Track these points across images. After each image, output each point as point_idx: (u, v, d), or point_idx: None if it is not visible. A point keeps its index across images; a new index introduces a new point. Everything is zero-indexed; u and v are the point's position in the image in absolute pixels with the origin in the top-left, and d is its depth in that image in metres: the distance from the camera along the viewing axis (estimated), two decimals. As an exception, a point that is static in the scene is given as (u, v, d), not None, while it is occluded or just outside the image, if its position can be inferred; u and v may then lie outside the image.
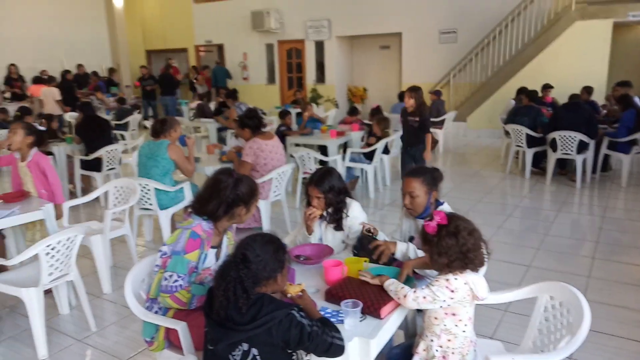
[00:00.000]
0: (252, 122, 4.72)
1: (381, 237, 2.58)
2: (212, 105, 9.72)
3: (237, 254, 1.70)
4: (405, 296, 1.86)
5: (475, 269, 1.82)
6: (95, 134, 6.04)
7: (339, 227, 2.66)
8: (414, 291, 1.85)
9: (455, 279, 1.79)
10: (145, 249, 4.75)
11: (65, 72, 12.32)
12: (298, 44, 13.25)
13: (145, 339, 2.29)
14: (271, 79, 14.00)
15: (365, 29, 12.16)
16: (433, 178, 2.49)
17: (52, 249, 2.85)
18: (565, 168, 6.96)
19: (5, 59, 12.04)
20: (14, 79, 12.01)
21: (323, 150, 6.48)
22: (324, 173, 2.67)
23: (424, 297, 1.81)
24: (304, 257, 2.46)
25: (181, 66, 15.08)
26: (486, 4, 10.61)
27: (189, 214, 2.31)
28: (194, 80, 13.73)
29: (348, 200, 2.70)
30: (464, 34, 10.98)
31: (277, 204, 5.14)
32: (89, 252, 3.80)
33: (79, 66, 13.35)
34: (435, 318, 1.85)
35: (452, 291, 1.77)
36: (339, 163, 5.92)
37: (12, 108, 9.32)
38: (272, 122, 8.15)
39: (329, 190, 2.60)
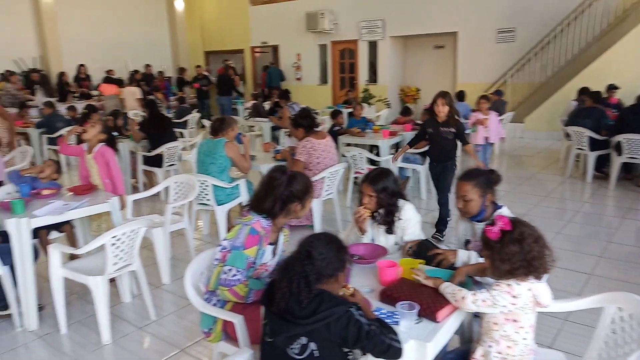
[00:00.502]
0: (305, 122, 4.77)
1: (463, 254, 2.55)
2: (267, 105, 9.89)
3: (301, 251, 1.75)
4: (463, 298, 1.82)
5: (539, 276, 1.76)
6: (158, 131, 6.31)
7: (389, 230, 2.65)
8: (473, 293, 1.82)
9: (518, 284, 1.74)
10: (202, 242, 4.91)
11: (134, 72, 12.92)
12: (351, 44, 13.26)
13: (203, 330, 2.38)
14: (323, 79, 14.08)
15: (420, 28, 12.00)
16: (487, 180, 2.44)
17: (118, 240, 3.01)
18: (631, 172, 6.60)
19: (75, 59, 12.76)
20: (82, 79, 12.72)
21: (375, 150, 6.46)
22: (380, 173, 2.67)
23: (484, 301, 1.78)
24: (358, 257, 2.47)
25: (237, 67, 15.41)
26: (547, 1, 10.20)
27: (248, 210, 2.37)
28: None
29: (401, 202, 2.67)
30: (523, 32, 10.61)
31: (328, 202, 5.18)
32: (150, 244, 3.98)
33: (147, 66, 13.94)
34: (495, 323, 1.81)
35: (514, 297, 1.73)
36: (390, 163, 5.87)
37: (79, 106, 9.90)
38: (324, 121, 8.21)
39: (382, 190, 2.59)
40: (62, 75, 12.22)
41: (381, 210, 2.65)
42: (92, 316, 3.38)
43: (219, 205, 4.57)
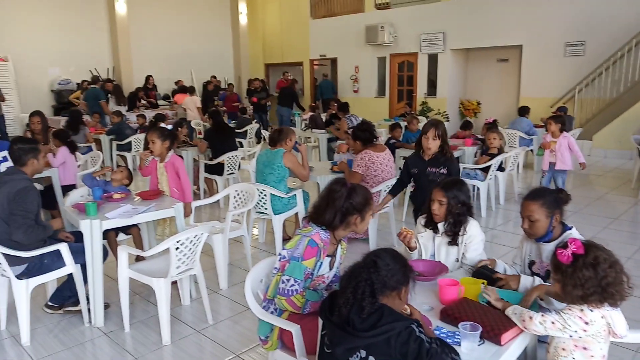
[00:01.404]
0: (364, 135, 4.78)
1: (500, 266, 2.47)
2: (324, 117, 10.00)
3: (367, 260, 1.76)
4: (531, 318, 1.75)
5: (614, 304, 1.66)
6: (221, 140, 6.53)
7: (454, 241, 2.59)
8: (542, 314, 1.74)
9: (591, 310, 1.65)
10: (258, 250, 5.00)
11: (207, 83, 13.41)
12: (411, 57, 13.17)
13: (260, 337, 2.41)
14: (381, 92, 14.05)
15: (483, 41, 11.74)
16: (555, 200, 2.33)
17: (182, 244, 3.12)
18: None
19: (144, 70, 13.47)
20: (149, 89, 13.39)
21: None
22: (455, 181, 2.66)
23: (553, 323, 1.69)
24: (417, 273, 2.43)
25: (297, 79, 15.67)
26: (620, 13, 9.69)
27: (307, 221, 2.39)
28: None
29: (467, 218, 2.62)
30: (593, 45, 10.13)
31: (384, 216, 5.13)
32: (209, 249, 4.10)
33: (212, 77, 14.44)
34: (563, 349, 1.72)
35: (586, 323, 1.64)
36: (450, 179, 5.76)
37: (148, 114, 10.41)
38: (381, 134, 8.17)
39: (453, 198, 2.55)
40: (139, 90, 12.91)
41: (450, 220, 2.60)
42: (153, 317, 3.52)
43: (275, 214, 4.65)
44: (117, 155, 8.71)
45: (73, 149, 5.52)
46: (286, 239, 4.85)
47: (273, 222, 4.67)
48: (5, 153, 4.38)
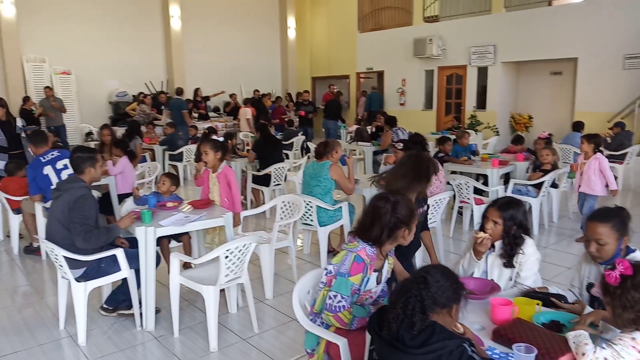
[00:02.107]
0: (415, 147, 4.76)
1: (553, 289, 2.38)
2: (369, 130, 9.99)
3: (417, 276, 1.75)
4: (583, 354, 1.66)
5: None
6: (268, 152, 6.66)
7: (509, 263, 2.52)
8: (594, 351, 1.65)
9: (644, 337, 1.56)
10: (303, 261, 5.03)
11: (262, 96, 13.67)
12: (459, 69, 12.99)
13: (307, 350, 2.42)
14: (428, 105, 13.91)
15: (535, 54, 11.42)
16: (624, 222, 2.22)
17: (231, 253, 3.19)
18: None
19: (195, 83, 13.93)
20: (198, 101, 13.80)
21: (482, 179, 6.20)
22: (512, 201, 2.57)
23: (606, 359, 1.61)
24: (467, 291, 2.37)
25: (342, 93, 15.74)
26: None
27: (353, 236, 2.38)
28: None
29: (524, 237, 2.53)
30: (656, 57, 9.65)
31: (431, 231, 5.04)
32: (255, 259, 4.16)
33: (255, 91, 14.74)
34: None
35: (640, 352, 1.55)
36: (500, 194, 5.61)
37: (200, 125, 10.75)
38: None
39: (509, 219, 2.47)
40: (189, 101, 13.32)
41: (505, 241, 2.52)
42: (201, 323, 3.60)
43: (321, 226, 4.67)
44: (169, 164, 9.01)
45: (132, 158, 5.77)
46: (331, 251, 4.86)
47: (318, 234, 4.69)
48: (67, 161, 4.62)
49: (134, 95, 12.92)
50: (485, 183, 5.99)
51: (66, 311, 3.60)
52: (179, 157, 8.84)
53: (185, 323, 3.65)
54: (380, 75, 15.25)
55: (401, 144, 5.09)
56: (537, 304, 2.13)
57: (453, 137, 8.32)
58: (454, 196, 5.68)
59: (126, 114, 12.10)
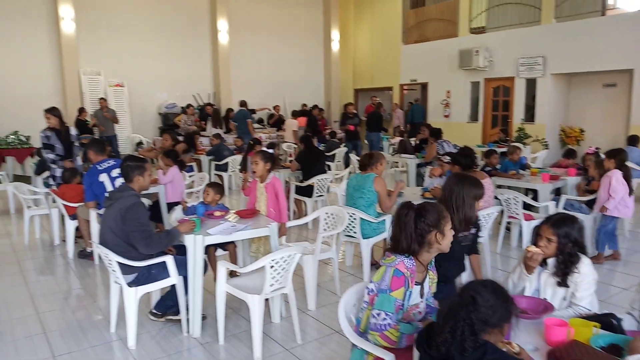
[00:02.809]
0: (465, 160, 4.68)
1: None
2: (412, 142, 9.90)
3: (465, 296, 1.69)
4: None
5: None
6: (312, 163, 6.72)
7: (563, 282, 2.42)
8: None
9: None
10: (345, 273, 5.01)
11: (313, 108, 13.79)
12: (507, 81, 12.70)
13: (352, 365, 2.39)
14: (474, 117, 13.65)
15: (587, 65, 11.03)
16: None
17: (276, 263, 3.22)
18: None
19: (241, 95, 14.22)
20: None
21: (531, 194, 6.01)
22: (566, 217, 2.48)
23: None
24: (520, 310, 2.30)
25: (385, 104, 15.71)
26: None
27: (390, 251, 2.34)
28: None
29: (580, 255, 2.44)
30: None
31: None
32: (298, 269, 4.17)
33: (303, 105, 14.86)
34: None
35: None
36: (551, 210, 5.41)
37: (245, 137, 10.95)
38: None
39: (564, 236, 2.39)
40: (229, 110, 13.66)
41: (559, 258, 2.43)
42: (245, 331, 3.64)
43: (364, 238, 4.64)
44: (215, 174, 9.23)
45: (182, 168, 5.95)
46: (374, 264, 4.82)
47: (361, 247, 4.67)
48: (119, 170, 4.80)
49: (182, 107, 13.34)
50: (535, 198, 5.80)
51: (117, 315, 3.73)
52: (224, 167, 9.05)
53: (230, 331, 3.70)
54: (424, 86, 15.13)
55: (447, 157, 5.01)
56: (595, 326, 2.04)
57: (500, 150, 8.14)
58: (502, 211, 5.53)
59: (174, 124, 12.51)
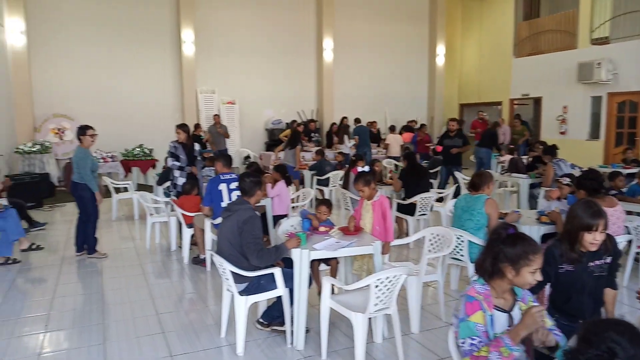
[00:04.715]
0: (591, 184, 4.30)
1: None
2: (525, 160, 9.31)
3: (599, 346, 1.47)
4: None
5: None
6: (415, 180, 6.60)
7: None
8: None
9: None
10: (450, 297, 4.81)
11: (422, 125, 13.53)
12: (634, 96, 11.53)
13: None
14: (594, 134, 12.54)
15: None
16: None
17: (381, 282, 3.19)
18: None
19: (343, 111, 14.46)
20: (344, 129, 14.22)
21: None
22: None
23: None
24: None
25: (492, 119, 15.00)
26: None
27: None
28: None
29: None
30: None
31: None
32: (401, 290, 4.08)
33: (411, 121, 14.69)
34: None
35: None
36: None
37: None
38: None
39: None
40: (332, 125, 13.93)
41: None
42: (347, 349, 3.63)
43: (472, 262, 4.42)
44: (316, 188, 9.43)
45: (289, 183, 6.18)
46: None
47: (468, 270, 4.45)
48: (236, 184, 5.13)
49: (287, 123, 13.86)
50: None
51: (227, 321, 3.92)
52: (325, 182, 9.21)
53: (332, 346, 3.70)
54: (536, 101, 14.23)
55: (567, 179, 4.64)
56: None
57: (626, 171, 7.37)
58: (630, 240, 4.97)
59: (279, 140, 13.02)
